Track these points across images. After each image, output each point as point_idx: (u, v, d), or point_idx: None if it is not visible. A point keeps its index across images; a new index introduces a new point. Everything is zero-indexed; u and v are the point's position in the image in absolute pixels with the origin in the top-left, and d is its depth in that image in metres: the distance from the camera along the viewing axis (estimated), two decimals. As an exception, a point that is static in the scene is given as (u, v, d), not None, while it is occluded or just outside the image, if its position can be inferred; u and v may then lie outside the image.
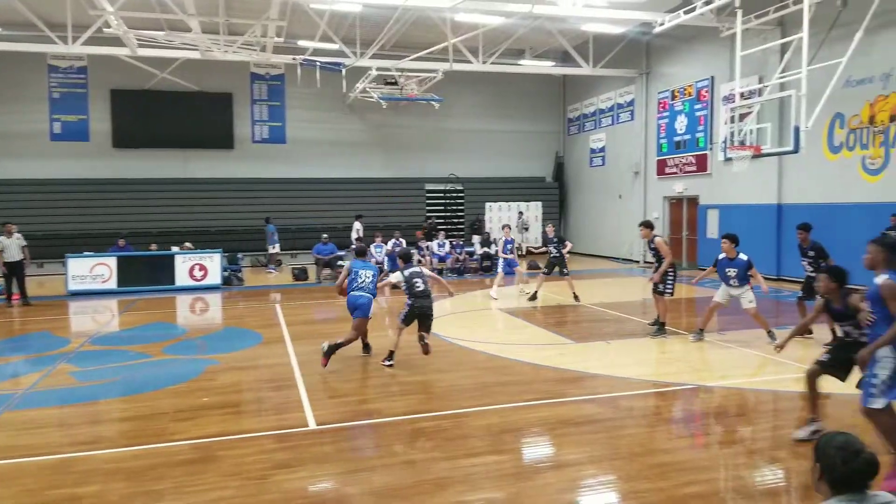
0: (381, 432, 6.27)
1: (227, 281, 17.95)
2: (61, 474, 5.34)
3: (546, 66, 23.78)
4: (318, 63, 19.93)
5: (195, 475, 5.25)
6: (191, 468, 5.40)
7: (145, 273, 17.25)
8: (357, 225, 21.81)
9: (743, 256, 9.74)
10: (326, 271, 18.99)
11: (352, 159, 25.86)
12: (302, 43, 20.44)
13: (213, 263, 17.64)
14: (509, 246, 15.49)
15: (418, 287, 8.72)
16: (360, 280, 8.78)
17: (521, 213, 25.79)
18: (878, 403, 4.90)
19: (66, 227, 22.05)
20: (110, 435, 6.43)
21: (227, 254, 19.15)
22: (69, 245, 19.54)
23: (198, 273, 17.48)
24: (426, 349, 8.54)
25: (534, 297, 14.31)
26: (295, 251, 23.66)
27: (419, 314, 8.69)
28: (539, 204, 26.51)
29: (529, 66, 23.56)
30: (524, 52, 24.65)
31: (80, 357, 9.65)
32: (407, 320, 8.72)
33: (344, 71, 20.17)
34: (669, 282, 10.49)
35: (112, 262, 16.92)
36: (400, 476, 5.20)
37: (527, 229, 25.39)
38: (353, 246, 15.72)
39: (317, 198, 25.00)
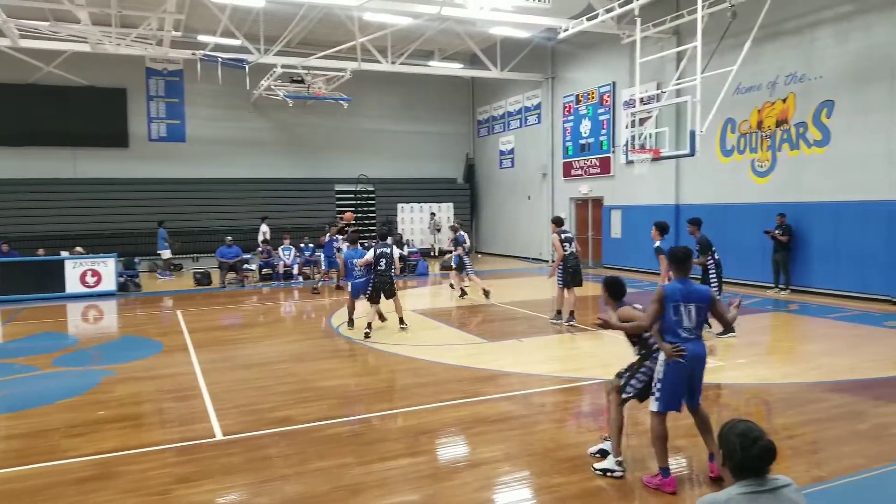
0: (292, 440, 6.06)
1: (122, 287, 16.98)
2: None
3: (455, 68, 23.98)
4: (219, 59, 19.21)
5: (92, 493, 4.94)
6: (87, 486, 5.07)
7: (31, 280, 16.02)
8: (263, 227, 21.22)
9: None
10: (231, 275, 18.31)
11: (257, 159, 25.10)
12: (202, 38, 19.64)
13: (108, 269, 16.62)
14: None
15: (381, 266, 10.66)
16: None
17: (433, 214, 25.88)
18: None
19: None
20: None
21: (122, 258, 18.12)
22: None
23: (90, 279, 16.44)
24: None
25: (463, 294, 14.73)
26: (197, 255, 22.70)
27: (381, 288, 10.74)
28: (451, 205, 26.69)
29: (438, 67, 23.68)
30: (433, 53, 24.78)
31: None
32: (374, 295, 10.73)
33: (247, 68, 19.54)
34: (559, 275, 11.26)
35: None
36: (313, 484, 5.05)
37: (439, 230, 25.50)
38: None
39: (220, 199, 24.10)
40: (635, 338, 5.33)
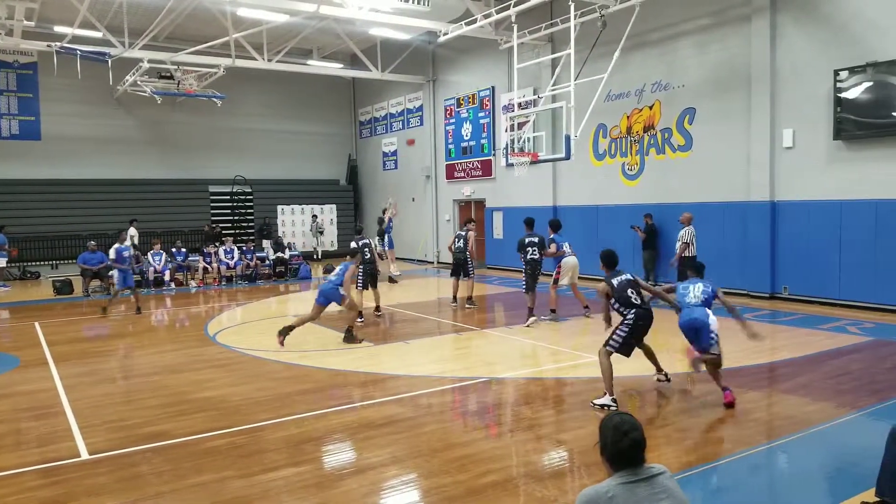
0: (166, 455, 5.69)
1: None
2: None
3: (334, 68, 23.63)
4: (77, 51, 17.79)
5: None
6: None
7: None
8: (132, 231, 19.87)
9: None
10: (96, 282, 17.02)
11: (124, 158, 23.51)
12: (59, 29, 18.13)
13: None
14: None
15: (367, 256, 12.13)
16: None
17: (314, 216, 25.36)
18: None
19: None
20: None
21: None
22: None
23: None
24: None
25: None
26: (56, 261, 20.93)
27: (370, 275, 12.27)
28: (333, 207, 26.28)
29: (317, 66, 23.23)
30: (312, 52, 24.30)
31: None
32: (370, 281, 12.35)
33: (110, 62, 18.23)
34: (470, 267, 13.58)
35: None
36: (191, 500, 4.77)
37: (321, 233, 25.03)
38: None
39: (82, 201, 22.34)
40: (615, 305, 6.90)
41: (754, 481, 5.18)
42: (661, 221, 15.15)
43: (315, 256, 24.48)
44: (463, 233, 13.95)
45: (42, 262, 21.17)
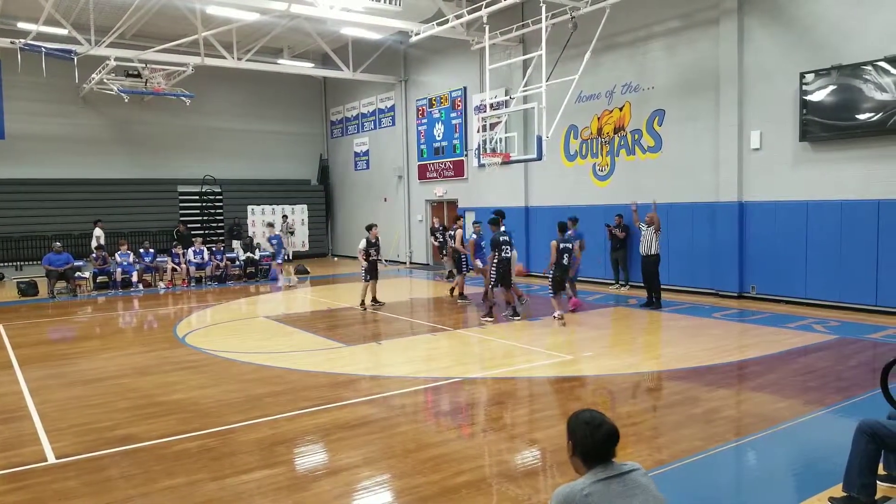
0: (136, 459, 5.59)
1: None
2: None
3: (305, 67, 23.44)
4: (42, 49, 17.37)
5: None
6: None
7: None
8: (97, 231, 19.49)
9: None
10: (61, 284, 16.65)
11: (90, 158, 23.03)
12: (22, 25, 17.69)
13: None
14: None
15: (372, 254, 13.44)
16: None
17: (285, 216, 25.09)
18: None
19: None
20: None
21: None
22: None
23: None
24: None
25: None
26: (20, 262, 20.43)
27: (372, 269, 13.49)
28: (305, 206, 26.05)
29: (288, 66, 23.03)
30: (282, 51, 24.08)
31: None
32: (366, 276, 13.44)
33: (76, 59, 17.84)
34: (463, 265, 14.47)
35: None
36: (165, 502, 4.69)
37: (292, 233, 24.80)
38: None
39: (46, 201, 21.81)
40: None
41: (724, 478, 5.25)
42: (631, 222, 15.28)
43: (286, 257, 24.22)
44: (452, 232, 14.90)
45: (6, 264, 20.64)
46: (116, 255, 18.09)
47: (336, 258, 26.69)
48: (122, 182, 23.44)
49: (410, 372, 8.37)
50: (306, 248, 25.71)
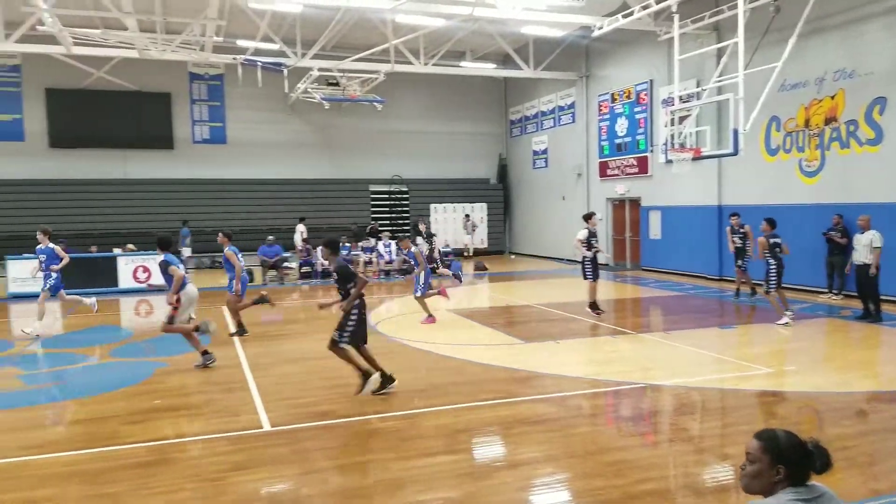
0: (334, 433, 6.14)
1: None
2: (15, 478, 5.22)
3: (487, 69, 23.93)
4: (258, 63, 19.49)
5: (151, 477, 5.15)
6: (146, 471, 5.28)
7: (86, 275, 16.47)
8: (300, 227, 21.43)
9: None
10: (272, 273, 18.58)
11: (295, 160, 25.43)
12: (242, 42, 19.94)
13: (157, 266, 17.00)
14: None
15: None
16: None
17: (467, 215, 25.79)
18: None
19: (3, 228, 21.11)
20: (62, 438, 6.23)
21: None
22: (7, 247, 18.61)
23: (142, 275, 17.01)
24: None
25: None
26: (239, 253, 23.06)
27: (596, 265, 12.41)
28: (484, 205, 26.61)
29: (470, 68, 23.66)
30: (465, 53, 24.76)
31: (26, 360, 9.37)
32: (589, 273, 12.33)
33: (286, 71, 19.78)
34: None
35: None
36: (356, 476, 5.12)
37: (475, 229, 25.38)
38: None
39: (260, 199, 24.47)
40: (342, 291, 7.20)
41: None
42: (845, 223, 13.64)
43: (465, 254, 24.91)
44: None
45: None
46: (318, 248, 19.81)
47: (513, 256, 26.94)
48: (322, 182, 25.59)
49: (589, 373, 8.25)
50: (485, 245, 26.23)
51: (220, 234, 10.99)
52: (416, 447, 5.71)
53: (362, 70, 20.78)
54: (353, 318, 7.08)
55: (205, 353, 8.69)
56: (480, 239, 26.14)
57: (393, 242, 20.57)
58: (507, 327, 11.52)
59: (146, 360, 9.26)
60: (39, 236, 11.54)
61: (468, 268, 21.41)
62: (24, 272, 15.92)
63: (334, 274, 7.30)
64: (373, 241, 20.96)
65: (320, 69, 20.34)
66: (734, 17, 13.06)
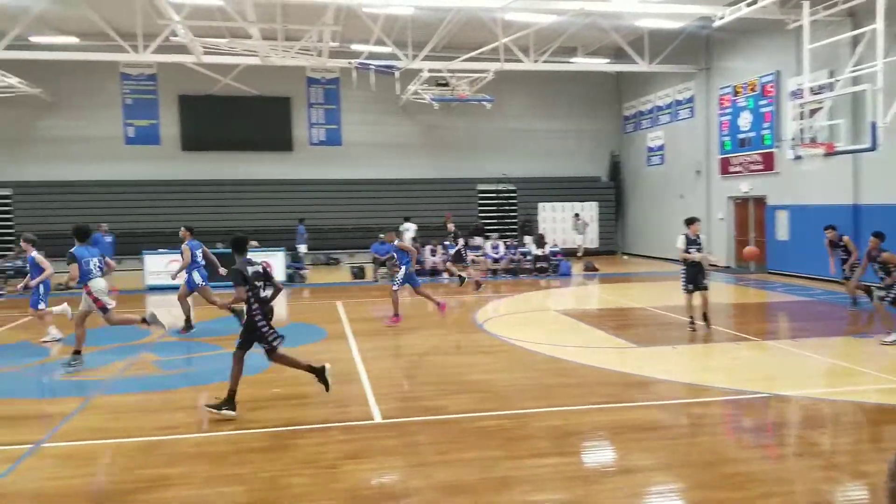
0: (443, 429, 6.23)
1: (290, 278, 18.40)
2: (150, 456, 5.67)
3: (599, 64, 23.38)
4: (372, 66, 20.07)
5: (272, 462, 5.45)
6: (268, 455, 5.60)
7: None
8: (409, 226, 21.83)
9: None
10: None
11: (404, 160, 26.00)
12: (356, 47, 20.63)
13: (277, 261, 18.10)
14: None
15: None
16: None
17: (577, 214, 25.29)
18: None
19: (141, 225, 23.01)
20: (192, 421, 6.69)
21: (289, 252, 19.54)
22: (144, 243, 20.27)
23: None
24: None
25: None
26: (352, 250, 23.95)
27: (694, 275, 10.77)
28: (595, 204, 26.03)
29: (582, 63, 23.21)
30: (576, 49, 24.31)
31: (161, 347, 10.13)
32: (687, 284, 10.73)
33: (397, 74, 20.26)
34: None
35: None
36: (464, 472, 5.16)
37: (586, 227, 24.86)
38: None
39: (371, 198, 25.20)
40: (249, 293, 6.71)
41: None
42: None
43: (577, 254, 24.41)
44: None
45: (342, 251, 24.36)
46: (427, 247, 20.16)
47: (626, 257, 26.19)
48: (430, 181, 26.00)
49: (708, 381, 7.87)
50: (595, 245, 25.66)
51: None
52: (524, 447, 5.68)
53: (471, 70, 20.91)
54: (260, 323, 6.71)
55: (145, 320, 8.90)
56: (590, 239, 25.60)
57: (501, 242, 20.57)
58: (618, 330, 11.20)
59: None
60: (23, 245, 10.58)
61: (577, 268, 21.02)
62: (160, 265, 17.54)
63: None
64: (479, 240, 21.06)
65: (430, 70, 20.67)
66: (871, 1, 12.02)
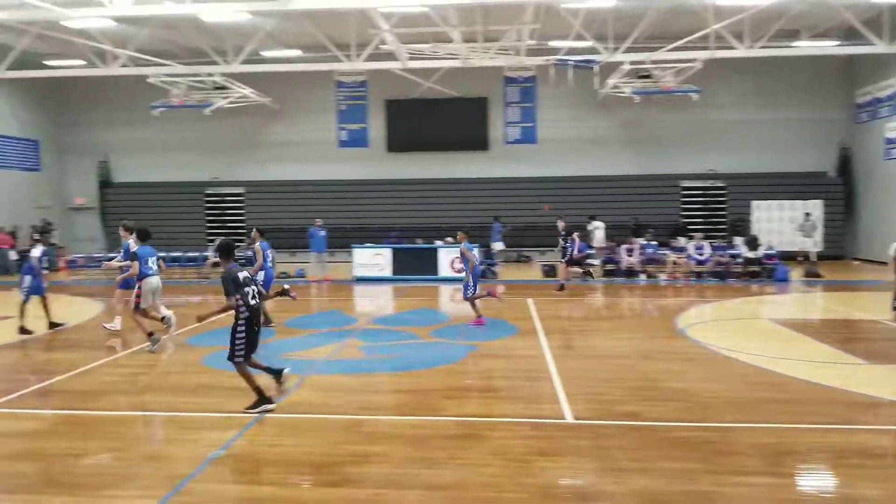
0: (637, 435, 5.99)
1: (482, 274, 18.79)
2: (353, 433, 6.17)
3: (828, 46, 20.87)
4: (570, 62, 19.81)
5: (464, 450, 5.65)
6: (460, 443, 5.82)
7: (414, 264, 19.19)
8: (598, 224, 21.18)
9: None
10: (575, 269, 18.84)
11: (599, 157, 25.40)
12: (553, 43, 20.50)
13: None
14: None
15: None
16: None
17: (807, 213, 22.30)
18: None
19: (350, 221, 24.98)
20: (391, 404, 7.18)
21: (483, 249, 20.10)
22: (353, 237, 22.04)
23: (458, 265, 18.67)
24: None
25: None
26: (543, 248, 23.93)
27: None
28: (819, 203, 23.19)
29: (806, 47, 20.87)
30: (798, 32, 21.94)
31: (366, 334, 10.95)
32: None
33: (596, 68, 19.78)
34: None
35: (388, 252, 19.49)
36: (662, 483, 4.93)
37: (815, 229, 21.88)
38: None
39: (566, 196, 24.89)
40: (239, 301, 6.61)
41: None
42: None
43: (810, 258, 21.66)
44: None
45: (533, 248, 24.46)
46: (622, 247, 19.50)
47: (857, 262, 23.14)
48: (627, 178, 25.09)
49: (960, 406, 6.72)
50: (819, 248, 22.89)
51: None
52: (729, 463, 5.28)
53: (677, 59, 19.80)
54: (240, 335, 6.54)
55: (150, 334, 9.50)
56: (813, 241, 22.90)
57: (706, 243, 19.24)
58: (844, 343, 9.92)
59: (460, 343, 10.05)
60: (121, 232, 10.76)
61: (796, 274, 18.97)
62: (366, 259, 19.19)
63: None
64: (682, 240, 19.87)
65: (632, 62, 19.91)
66: None
